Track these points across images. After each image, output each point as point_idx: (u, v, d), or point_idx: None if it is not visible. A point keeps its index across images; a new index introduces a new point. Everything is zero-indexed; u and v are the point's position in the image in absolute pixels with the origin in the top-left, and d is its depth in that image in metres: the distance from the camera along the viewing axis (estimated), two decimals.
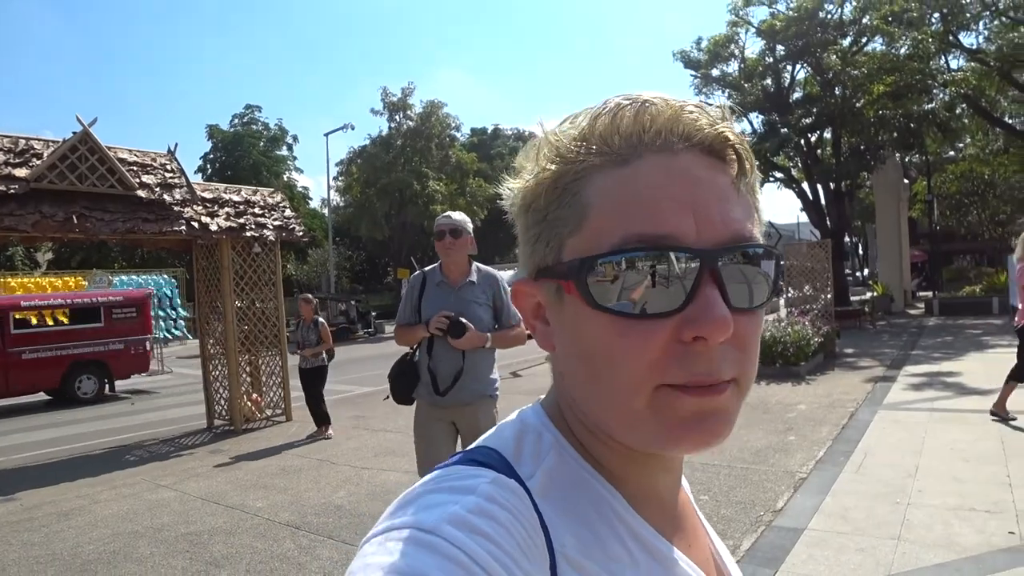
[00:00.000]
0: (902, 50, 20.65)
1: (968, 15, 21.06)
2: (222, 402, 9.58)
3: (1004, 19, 21.41)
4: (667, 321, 0.50)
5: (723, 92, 24.03)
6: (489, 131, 49.98)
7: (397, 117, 36.31)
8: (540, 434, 0.58)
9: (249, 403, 9.48)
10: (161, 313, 19.75)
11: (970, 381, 9.69)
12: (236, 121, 43.46)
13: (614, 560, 0.53)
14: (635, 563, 0.54)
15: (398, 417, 9.55)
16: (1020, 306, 7.23)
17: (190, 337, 19.84)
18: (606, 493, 0.56)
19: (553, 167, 0.55)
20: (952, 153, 29.58)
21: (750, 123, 23.55)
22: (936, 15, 20.41)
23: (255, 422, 9.50)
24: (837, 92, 21.12)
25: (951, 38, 21.27)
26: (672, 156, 0.52)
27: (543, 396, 0.64)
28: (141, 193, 8.18)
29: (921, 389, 9.33)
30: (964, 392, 9.01)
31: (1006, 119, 24.25)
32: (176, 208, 8.54)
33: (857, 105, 20.34)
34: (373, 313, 30.32)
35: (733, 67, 23.95)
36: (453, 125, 37.68)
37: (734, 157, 0.54)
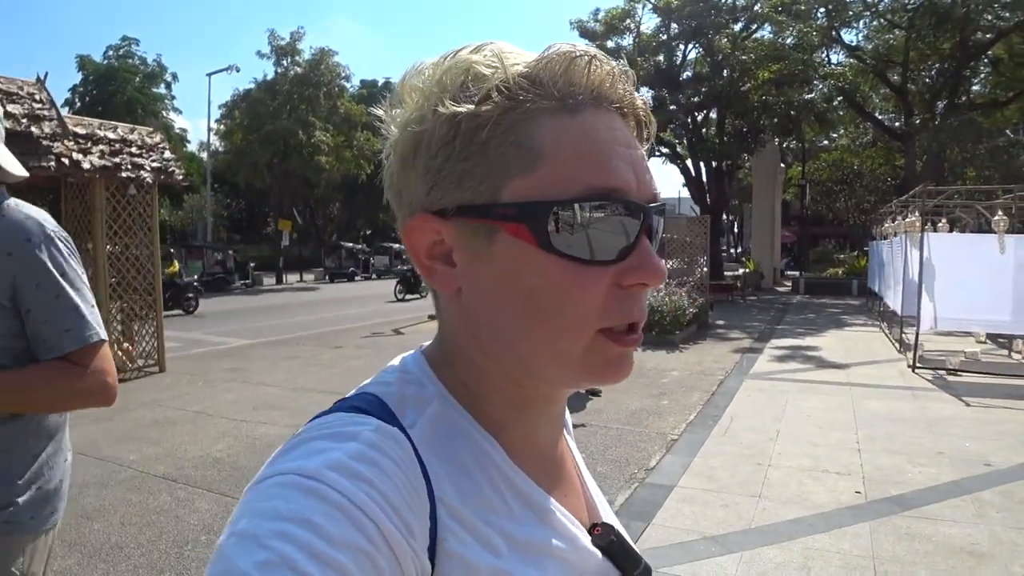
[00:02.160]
0: (788, 40, 21.62)
1: (851, 13, 22.31)
2: None
3: (882, 20, 22.85)
4: (611, 268, 0.52)
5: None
6: (380, 84, 48.44)
7: (284, 62, 34.57)
8: (422, 383, 0.58)
9: (120, 352, 8.91)
10: None
11: (828, 355, 10.44)
12: (111, 53, 40.03)
13: (491, 510, 0.54)
14: (511, 512, 0.56)
15: (275, 370, 9.30)
16: None
17: None
18: (486, 444, 0.56)
19: (497, 100, 0.52)
20: (826, 142, 31.49)
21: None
22: (822, 10, 21.48)
23: (127, 372, 8.95)
24: (725, 74, 21.90)
25: (834, 33, 22.49)
26: (608, 114, 0.55)
27: (426, 344, 0.63)
28: (6, 123, 7.40)
29: (784, 361, 9.96)
30: (823, 365, 9.68)
31: (876, 115, 25.98)
32: (44, 142, 7.78)
33: (743, 88, 21.18)
34: (251, 264, 29.19)
35: (628, 41, 24.30)
36: (343, 75, 36.15)
37: (644, 126, 0.59)
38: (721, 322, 14.22)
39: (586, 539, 0.61)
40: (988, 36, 21.48)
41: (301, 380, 8.68)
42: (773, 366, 9.62)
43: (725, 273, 24.32)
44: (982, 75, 24.66)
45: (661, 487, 4.77)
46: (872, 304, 17.63)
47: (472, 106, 0.52)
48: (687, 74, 23.88)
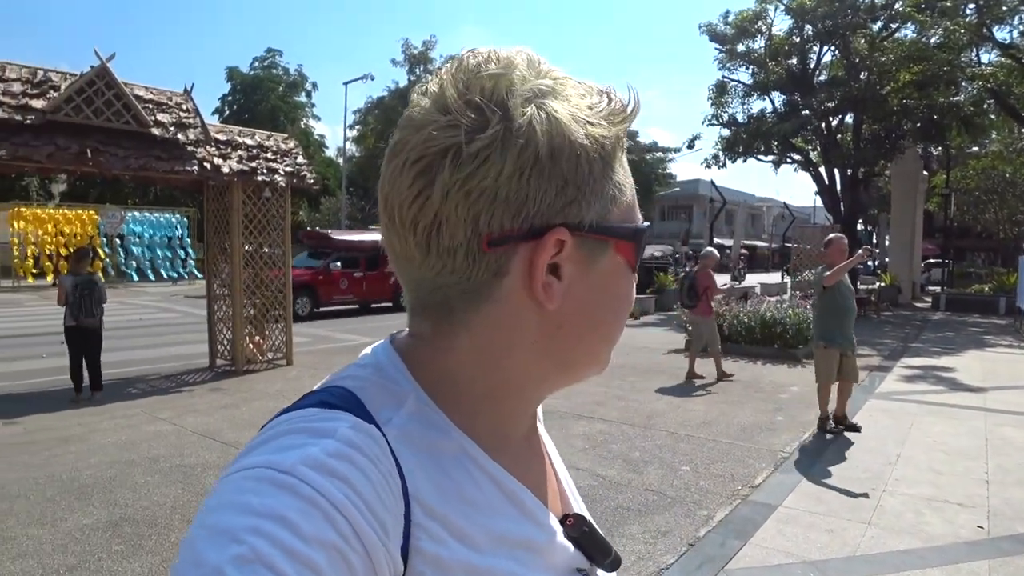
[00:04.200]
0: (932, 39, 20.23)
1: (1005, 8, 20.52)
2: (225, 342, 9.75)
3: None
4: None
5: (747, 68, 23.71)
6: None
7: (417, 70, 36.00)
8: (396, 379, 0.59)
9: (251, 345, 9.64)
10: (169, 254, 19.91)
11: (964, 377, 9.75)
12: (257, 64, 43.22)
13: (470, 503, 0.56)
14: (492, 507, 0.57)
15: None
16: None
17: (199, 276, 20.03)
18: (463, 441, 0.58)
19: (621, 127, 0.59)
20: (975, 148, 29.17)
21: (771, 102, 23.31)
22: (971, 6, 19.96)
23: (256, 364, 9.67)
24: (862, 77, 20.77)
25: (984, 31, 20.80)
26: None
27: (395, 334, 0.65)
28: (155, 131, 8.24)
29: (914, 381, 9.41)
30: (956, 388, 9.06)
31: None
32: (189, 148, 8.60)
33: (882, 92, 20.04)
34: None
35: (759, 44, 23.55)
36: None
37: None
38: None
39: (560, 530, 0.64)
40: None
41: None
42: (901, 386, 9.10)
43: (860, 286, 23.06)
44: None
45: (764, 505, 4.69)
46: (1021, 324, 16.22)
47: (622, 127, 0.59)
48: (821, 77, 22.85)
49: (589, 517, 0.69)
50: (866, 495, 4.90)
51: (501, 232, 0.53)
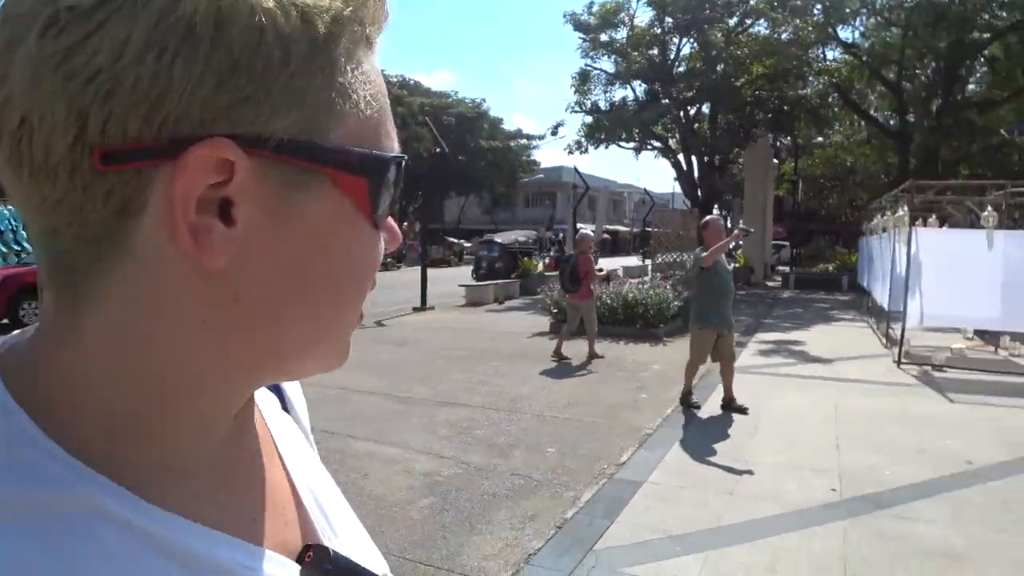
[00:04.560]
0: (784, 35, 21.46)
1: (848, 10, 22.15)
2: None
3: (879, 18, 22.69)
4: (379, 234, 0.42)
5: (610, 58, 24.22)
6: None
7: None
8: None
9: None
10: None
11: (813, 350, 10.29)
12: None
13: None
14: None
15: None
16: None
17: None
18: (93, 487, 0.35)
19: (359, 4, 0.38)
20: (820, 139, 31.37)
21: (633, 91, 23.95)
22: (819, 6, 21.32)
23: None
24: (719, 69, 21.73)
25: (830, 30, 22.33)
26: None
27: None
28: None
29: (769, 355, 9.80)
30: (807, 360, 9.53)
31: (871, 112, 25.85)
32: None
33: (736, 83, 21.03)
34: None
35: (622, 34, 24.13)
36: None
37: None
38: None
39: (293, 570, 0.43)
40: (985, 36, 21.36)
41: None
42: (757, 360, 9.46)
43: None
44: (978, 74, 24.55)
45: (630, 483, 4.60)
46: (861, 300, 17.52)
47: (363, 6, 0.38)
48: (680, 68, 23.69)
49: (349, 542, 0.50)
50: (728, 467, 4.93)
51: (124, 142, 0.32)
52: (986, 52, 22.31)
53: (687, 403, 6.60)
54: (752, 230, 6.48)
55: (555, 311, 11.64)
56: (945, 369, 8.75)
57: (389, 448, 5.34)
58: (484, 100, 36.29)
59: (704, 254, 6.34)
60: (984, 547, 3.71)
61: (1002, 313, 8.80)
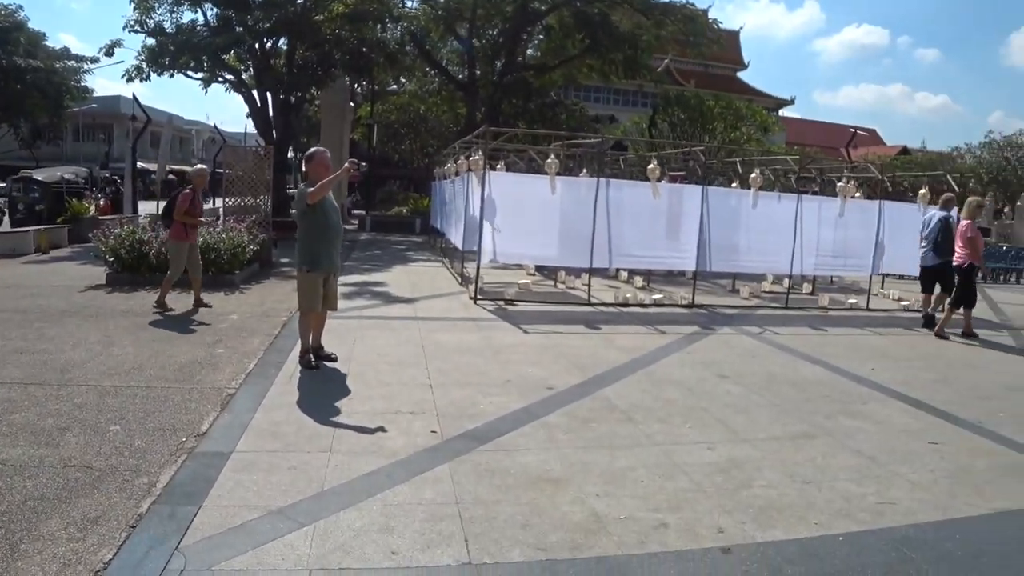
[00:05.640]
0: None
1: None
2: None
3: None
4: None
5: None
6: None
7: None
8: None
9: None
10: None
11: (395, 291, 10.41)
12: None
13: None
14: None
15: None
16: (959, 250, 8.94)
17: None
18: None
19: None
20: (395, 87, 32.26)
21: (204, 14, 21.40)
22: None
23: None
24: (299, 2, 20.57)
25: None
26: None
27: None
28: None
29: (352, 298, 9.56)
30: (391, 300, 9.56)
31: (444, 64, 27.31)
32: None
33: (317, 19, 20.15)
34: None
35: None
36: None
37: None
38: (286, 260, 13.31)
39: None
40: (544, 6, 24.00)
41: None
42: (341, 304, 9.15)
43: (291, 211, 23.34)
44: (536, 41, 27.65)
45: (216, 455, 3.83)
46: (435, 241, 18.56)
47: None
48: None
49: None
50: (325, 420, 4.48)
51: None
52: (544, 21, 25.18)
53: (308, 364, 5.79)
54: (364, 164, 5.92)
55: (111, 259, 9.83)
56: (516, 303, 9.55)
57: None
58: (21, 7, 28.94)
59: (310, 189, 5.60)
60: (578, 466, 3.91)
61: (559, 251, 9.93)
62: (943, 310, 9.29)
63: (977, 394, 6.24)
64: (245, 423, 4.36)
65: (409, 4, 24.65)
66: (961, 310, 9.06)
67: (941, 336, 9.01)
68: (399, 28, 22.80)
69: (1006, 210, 33.13)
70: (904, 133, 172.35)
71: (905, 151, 54.23)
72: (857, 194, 12.37)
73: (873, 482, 3.95)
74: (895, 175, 16.90)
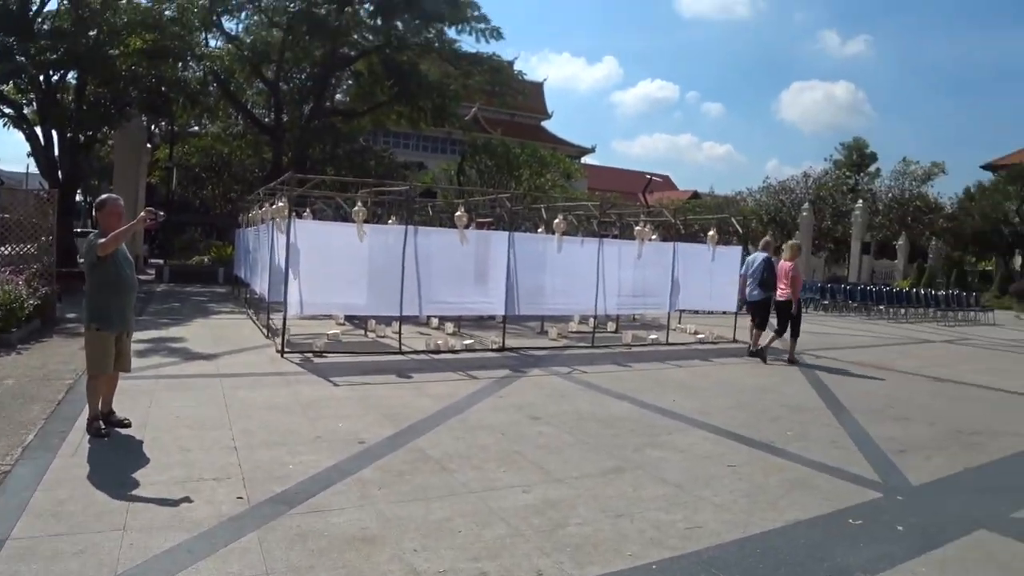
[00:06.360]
0: (167, 12, 20.26)
1: (234, 2, 22.27)
2: None
3: (264, 17, 23.42)
4: None
5: None
6: None
7: None
8: None
9: None
10: None
11: (196, 346, 9.85)
12: None
13: None
14: None
15: None
16: (781, 287, 10.78)
17: None
18: None
19: None
20: (196, 128, 30.74)
21: None
22: None
23: None
24: (92, 34, 19.10)
25: (215, 17, 22.05)
26: None
27: None
28: None
29: (147, 356, 8.88)
30: (190, 357, 9.02)
31: (249, 107, 26.44)
32: None
33: (111, 54, 18.80)
34: None
35: None
36: None
37: None
38: (72, 316, 12.16)
39: None
40: (353, 52, 24.09)
41: None
42: (134, 362, 8.50)
43: (79, 260, 21.35)
44: (345, 86, 27.61)
45: None
46: (239, 291, 17.76)
47: None
48: (45, 25, 19.97)
49: None
50: (116, 495, 4.15)
51: None
52: (354, 67, 25.27)
53: (97, 432, 5.29)
54: (162, 214, 5.59)
55: None
56: (325, 355, 9.37)
57: None
58: None
59: (101, 241, 5.18)
60: (394, 522, 3.92)
61: (368, 299, 9.90)
62: (769, 341, 10.96)
63: (768, 416, 7.07)
64: (22, 504, 3.93)
65: (213, 43, 23.78)
66: (787, 337, 10.89)
67: (793, 362, 10.81)
68: (202, 67, 21.86)
69: (783, 247, 37.48)
70: (695, 179, 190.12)
71: (696, 195, 59.81)
72: (653, 236, 13.53)
73: (681, 508, 4.33)
74: (687, 218, 18.66)
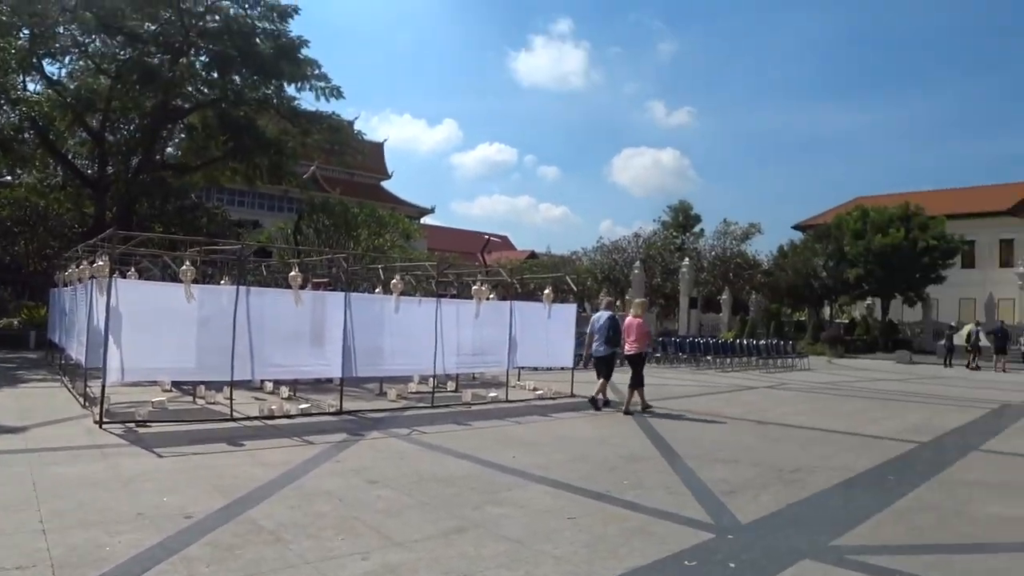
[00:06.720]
0: None
1: (58, 45, 20.88)
2: None
3: (91, 63, 22.06)
4: None
5: None
6: None
7: None
8: None
9: None
10: None
11: (2, 418, 8.94)
12: None
13: None
14: None
15: None
16: (631, 342, 11.96)
17: None
18: None
19: None
20: (9, 178, 28.16)
21: None
22: (27, 31, 19.43)
23: None
24: None
25: (35, 60, 20.58)
26: None
27: None
28: None
29: None
30: None
31: (70, 157, 24.64)
32: None
33: None
34: None
35: None
36: None
37: None
38: None
39: None
40: (187, 105, 23.17)
41: None
42: None
43: None
44: (177, 139, 26.41)
45: None
46: (53, 357, 16.30)
47: None
48: None
49: None
50: None
51: None
52: (186, 120, 24.25)
53: None
54: None
55: None
56: (149, 424, 8.82)
57: None
58: None
59: None
60: None
61: (198, 363, 9.43)
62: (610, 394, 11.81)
63: (606, 467, 7.44)
64: None
65: (32, 88, 22.11)
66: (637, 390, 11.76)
67: (628, 413, 11.49)
68: (17, 113, 20.26)
69: (618, 303, 39.52)
70: (532, 239, 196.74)
71: (533, 255, 62.01)
72: (491, 296, 13.92)
73: (522, 564, 4.46)
74: (523, 277, 19.34)
